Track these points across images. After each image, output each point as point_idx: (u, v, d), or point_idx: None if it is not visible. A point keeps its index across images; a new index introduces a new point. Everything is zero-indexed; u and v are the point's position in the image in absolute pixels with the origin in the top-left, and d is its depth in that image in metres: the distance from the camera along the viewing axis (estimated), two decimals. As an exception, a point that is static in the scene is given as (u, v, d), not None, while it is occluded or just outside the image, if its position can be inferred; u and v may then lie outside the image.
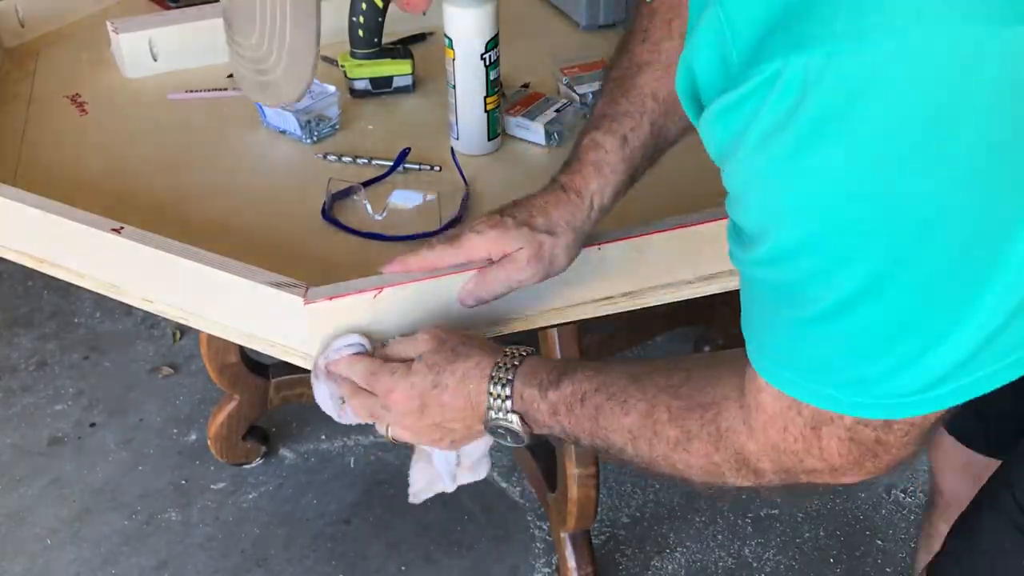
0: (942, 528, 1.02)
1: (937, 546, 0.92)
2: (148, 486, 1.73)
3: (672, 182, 1.06)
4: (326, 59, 1.30)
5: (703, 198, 1.00)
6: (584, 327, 1.23)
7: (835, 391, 0.58)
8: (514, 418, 0.78)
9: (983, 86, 0.45)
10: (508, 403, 0.77)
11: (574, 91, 1.16)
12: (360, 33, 1.17)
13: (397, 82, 1.21)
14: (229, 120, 1.18)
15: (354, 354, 0.83)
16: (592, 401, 0.74)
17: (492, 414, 0.78)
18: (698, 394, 0.69)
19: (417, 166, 1.09)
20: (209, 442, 1.68)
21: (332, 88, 1.15)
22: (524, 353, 0.79)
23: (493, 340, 0.85)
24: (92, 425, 1.85)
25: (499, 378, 0.78)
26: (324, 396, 0.85)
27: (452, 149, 1.11)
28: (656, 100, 0.87)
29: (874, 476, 0.64)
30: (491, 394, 0.78)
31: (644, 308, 0.95)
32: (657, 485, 1.72)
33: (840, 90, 0.46)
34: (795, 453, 0.63)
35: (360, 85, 1.20)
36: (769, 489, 0.69)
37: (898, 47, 0.45)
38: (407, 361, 0.81)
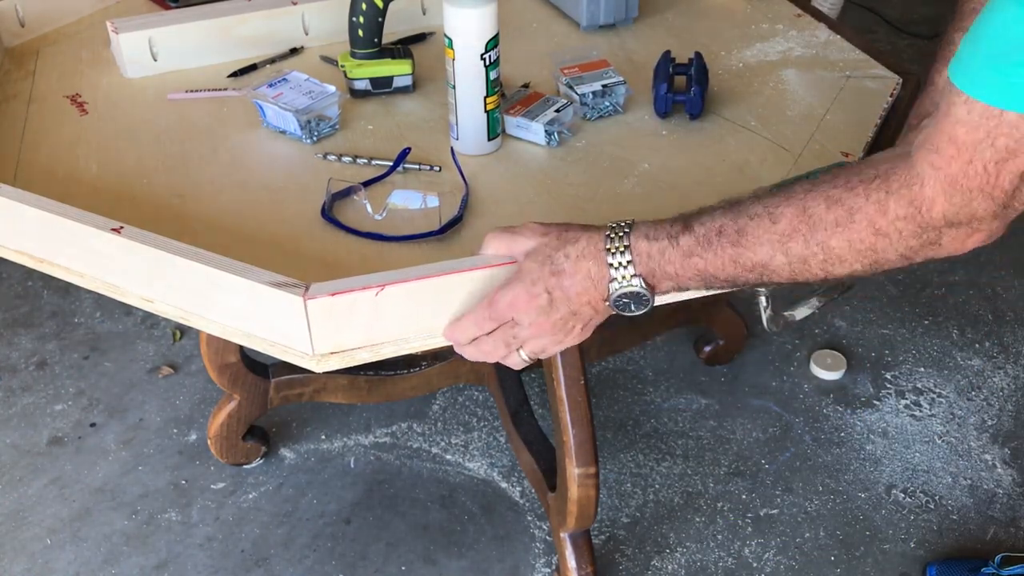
0: None
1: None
2: (148, 486, 1.73)
3: (676, 186, 1.06)
4: (326, 59, 1.30)
5: (707, 202, 1.00)
6: (584, 327, 1.23)
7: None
8: (638, 281, 0.82)
9: None
10: (631, 267, 0.81)
11: (574, 91, 1.16)
12: (360, 33, 1.17)
13: (397, 82, 1.21)
14: (229, 120, 1.18)
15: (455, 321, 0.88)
16: (732, 228, 0.79)
17: (616, 285, 0.82)
18: (858, 175, 0.76)
19: (417, 166, 1.09)
20: (209, 442, 1.68)
21: (332, 88, 1.15)
22: (628, 222, 0.84)
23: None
24: (92, 425, 1.85)
25: (615, 248, 0.82)
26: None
27: (452, 149, 1.11)
28: None
29: (1005, 228, 0.73)
30: (611, 265, 0.82)
31: (644, 308, 0.95)
32: (657, 485, 1.72)
33: None
34: (969, 192, 0.70)
35: (360, 85, 1.20)
36: (911, 260, 0.76)
37: None
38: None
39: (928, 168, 0.72)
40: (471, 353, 0.89)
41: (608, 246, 0.82)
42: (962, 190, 0.70)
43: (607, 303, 0.84)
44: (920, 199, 0.72)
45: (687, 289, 0.85)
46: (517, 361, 0.89)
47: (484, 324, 0.86)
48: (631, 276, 0.82)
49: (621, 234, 0.82)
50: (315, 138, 1.13)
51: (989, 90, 0.66)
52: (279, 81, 1.15)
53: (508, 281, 0.85)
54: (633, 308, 0.84)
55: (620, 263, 0.82)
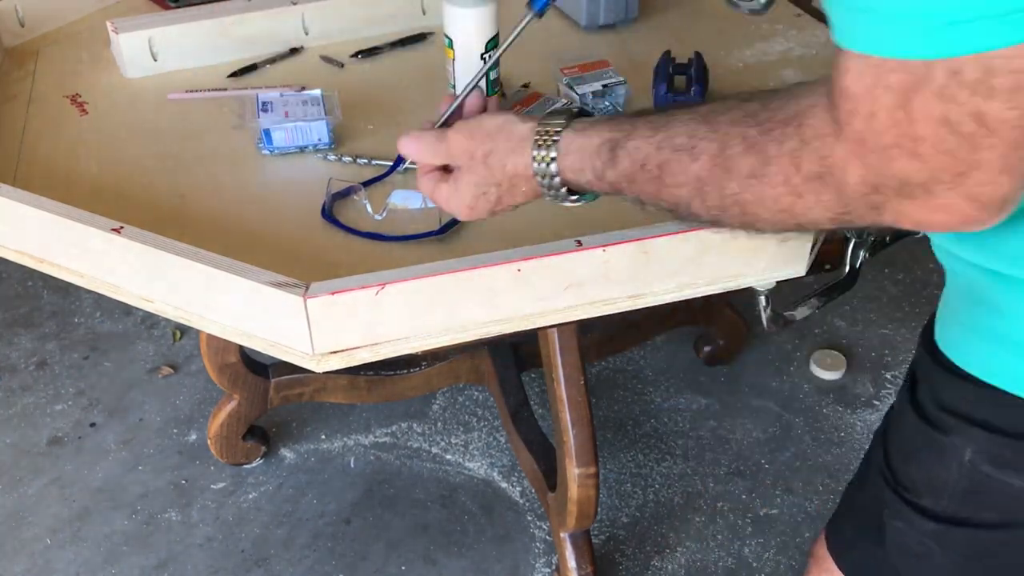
0: None
1: None
2: (148, 486, 1.73)
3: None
4: (326, 59, 1.30)
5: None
6: (584, 327, 1.23)
7: (899, 16, 0.53)
8: (564, 191, 0.77)
9: None
10: (557, 179, 0.77)
11: (574, 91, 1.16)
12: None
13: None
14: (229, 120, 1.18)
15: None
16: (655, 162, 0.70)
17: (544, 193, 0.79)
18: (779, 113, 0.64)
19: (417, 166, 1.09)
20: (209, 442, 1.68)
21: (317, 91, 1.12)
22: (558, 129, 0.77)
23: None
24: (92, 425, 1.85)
25: (540, 157, 0.76)
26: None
27: (452, 149, 1.11)
28: None
29: (981, 208, 0.57)
30: (539, 178, 0.77)
31: (644, 308, 0.95)
32: (657, 485, 1.72)
33: None
34: (885, 149, 0.57)
35: None
36: (850, 222, 0.63)
37: None
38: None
39: (834, 125, 0.60)
40: (407, 150, 0.86)
41: (535, 154, 0.77)
42: (874, 148, 0.58)
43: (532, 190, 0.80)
44: (832, 158, 0.60)
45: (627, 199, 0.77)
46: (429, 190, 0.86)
47: (434, 155, 0.84)
48: (558, 186, 0.77)
49: (549, 142, 0.76)
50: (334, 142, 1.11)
51: (859, 38, 0.56)
52: (266, 104, 1.11)
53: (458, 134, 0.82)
54: (569, 204, 0.80)
55: (546, 173, 0.77)
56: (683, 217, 0.73)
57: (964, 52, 0.52)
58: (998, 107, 0.53)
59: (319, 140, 1.10)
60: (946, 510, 0.77)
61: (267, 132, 1.09)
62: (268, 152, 1.10)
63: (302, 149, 1.11)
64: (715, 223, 0.70)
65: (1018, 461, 0.70)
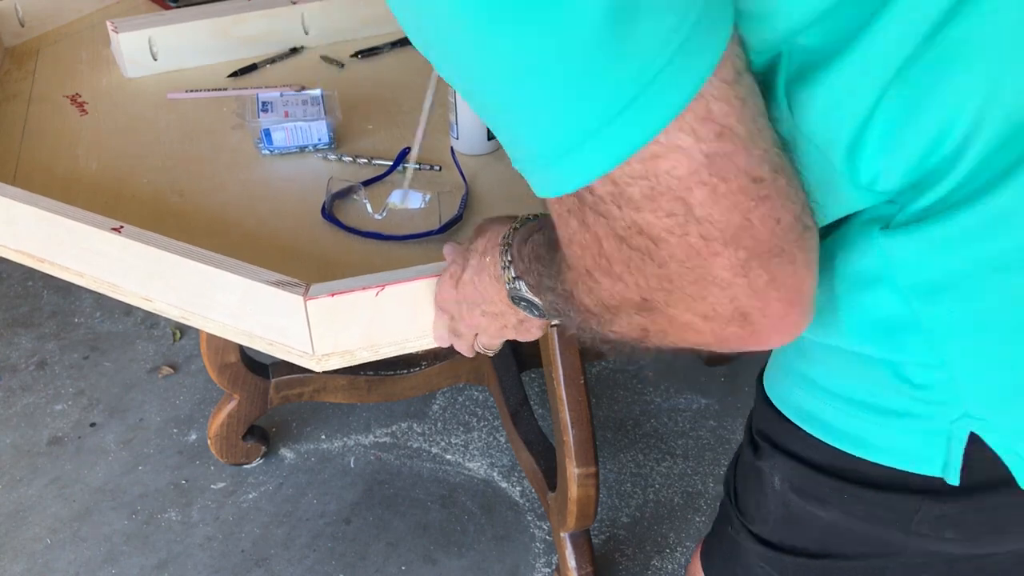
0: None
1: None
2: (148, 486, 1.73)
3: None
4: (326, 59, 1.30)
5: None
6: (584, 327, 1.23)
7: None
8: (522, 284, 0.66)
9: None
10: (512, 268, 0.67)
11: (574, 91, 1.16)
12: None
13: None
14: (229, 120, 1.18)
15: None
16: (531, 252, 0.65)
17: (508, 285, 0.68)
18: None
19: (417, 166, 1.09)
20: (209, 442, 1.68)
21: (317, 91, 1.13)
22: (532, 216, 0.70)
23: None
24: (92, 425, 1.85)
25: (505, 244, 0.69)
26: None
27: (452, 149, 1.11)
28: None
29: (726, 326, 0.50)
30: (501, 263, 0.68)
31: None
32: (657, 485, 1.72)
33: None
34: (589, 273, 0.52)
35: None
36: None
37: None
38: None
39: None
40: (459, 346, 0.84)
41: (502, 241, 0.69)
42: (583, 272, 0.53)
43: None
44: (568, 283, 0.56)
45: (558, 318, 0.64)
46: (467, 349, 0.82)
47: (438, 317, 0.84)
48: (513, 278, 0.67)
49: (514, 228, 0.69)
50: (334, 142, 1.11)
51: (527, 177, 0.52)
52: (266, 104, 1.11)
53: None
54: (535, 313, 0.68)
55: (505, 263, 0.68)
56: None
57: (589, 179, 0.47)
58: (651, 218, 0.47)
59: (319, 140, 1.10)
60: (771, 536, 0.74)
61: (267, 132, 1.09)
62: (268, 152, 1.10)
63: (302, 149, 1.11)
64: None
65: (819, 493, 0.66)
